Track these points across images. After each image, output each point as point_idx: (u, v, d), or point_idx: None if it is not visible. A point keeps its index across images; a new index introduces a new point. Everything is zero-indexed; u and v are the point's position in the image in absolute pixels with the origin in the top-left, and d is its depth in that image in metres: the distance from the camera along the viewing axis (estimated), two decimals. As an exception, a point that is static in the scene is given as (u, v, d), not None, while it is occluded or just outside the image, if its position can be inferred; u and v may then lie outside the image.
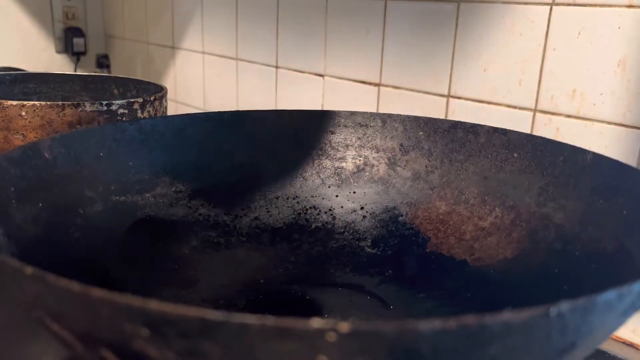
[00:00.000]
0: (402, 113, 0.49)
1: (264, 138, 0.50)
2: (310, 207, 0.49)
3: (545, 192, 0.39)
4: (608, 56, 0.47)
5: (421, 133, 0.48)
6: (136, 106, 0.55)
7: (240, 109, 0.86)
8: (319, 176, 0.50)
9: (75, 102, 0.52)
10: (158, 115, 0.59)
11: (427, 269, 0.43)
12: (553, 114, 0.51)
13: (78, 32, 1.22)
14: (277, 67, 0.82)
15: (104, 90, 0.77)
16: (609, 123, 0.48)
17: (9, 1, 1.15)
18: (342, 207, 0.49)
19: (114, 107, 0.53)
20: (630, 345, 0.48)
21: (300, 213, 0.49)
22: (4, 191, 0.32)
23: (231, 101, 0.93)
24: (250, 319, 0.16)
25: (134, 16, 1.18)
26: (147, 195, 0.44)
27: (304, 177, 0.50)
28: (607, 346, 0.46)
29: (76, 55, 1.23)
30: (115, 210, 0.42)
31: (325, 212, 0.49)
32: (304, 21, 0.76)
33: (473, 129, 0.45)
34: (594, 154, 0.37)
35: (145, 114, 0.56)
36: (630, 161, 0.47)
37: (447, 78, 0.60)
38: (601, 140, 0.48)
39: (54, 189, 0.37)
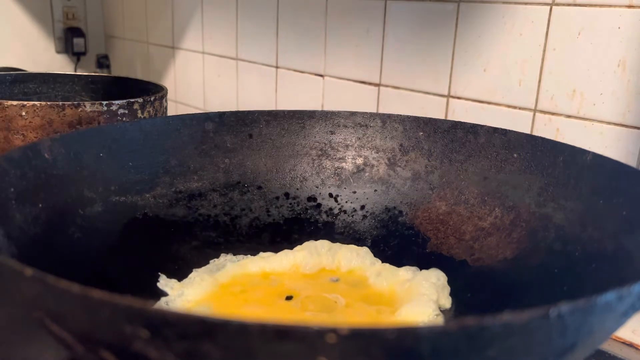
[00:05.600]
0: (402, 113, 0.49)
1: (263, 138, 0.50)
2: (310, 208, 0.49)
3: (545, 192, 0.39)
4: (608, 56, 0.47)
5: (421, 133, 0.48)
6: (136, 106, 0.55)
7: (240, 109, 0.86)
8: (319, 176, 0.50)
9: (75, 102, 0.52)
10: (158, 115, 0.59)
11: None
12: (553, 114, 0.51)
13: (78, 32, 1.22)
14: (277, 67, 0.82)
15: (104, 90, 0.77)
16: (609, 123, 0.48)
17: (9, 1, 1.15)
18: (342, 207, 0.49)
19: (114, 107, 0.53)
20: (630, 345, 0.48)
21: (300, 213, 0.49)
22: (4, 192, 0.32)
23: (231, 101, 0.93)
24: (250, 320, 0.16)
25: (134, 16, 1.18)
26: (147, 195, 0.44)
27: (304, 177, 0.50)
28: (607, 346, 0.46)
29: (76, 55, 1.23)
30: (115, 211, 0.42)
31: (325, 212, 0.49)
32: (304, 21, 0.76)
33: (473, 129, 0.45)
34: (594, 154, 0.37)
35: (145, 114, 0.56)
36: (630, 161, 0.47)
37: (447, 78, 0.60)
38: (601, 140, 0.48)
39: (53, 189, 0.37)
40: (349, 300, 0.39)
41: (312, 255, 0.44)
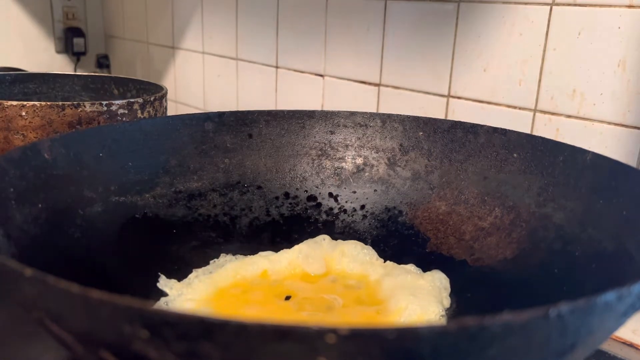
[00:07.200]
0: (402, 113, 0.49)
1: (263, 138, 0.50)
2: (310, 207, 0.49)
3: (545, 192, 0.39)
4: (608, 56, 0.47)
5: (421, 133, 0.48)
6: (136, 106, 0.55)
7: (240, 109, 0.86)
8: (319, 176, 0.50)
9: (75, 102, 0.52)
10: (158, 115, 0.59)
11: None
12: (553, 114, 0.51)
13: (78, 32, 1.22)
14: (277, 67, 0.82)
15: (104, 90, 0.77)
16: (609, 123, 0.48)
17: (9, 1, 1.15)
18: (342, 207, 0.49)
19: (114, 107, 0.53)
20: (630, 345, 0.48)
21: (300, 213, 0.49)
22: (4, 192, 0.32)
23: (231, 101, 0.93)
24: (250, 321, 0.16)
25: (134, 16, 1.18)
26: (147, 195, 0.44)
27: (303, 177, 0.50)
28: (607, 346, 0.46)
29: (76, 55, 1.23)
30: (115, 211, 0.42)
31: (325, 212, 0.49)
32: (304, 21, 0.76)
33: (473, 129, 0.45)
34: (594, 154, 0.37)
35: (145, 114, 0.56)
36: (630, 161, 0.47)
37: (447, 78, 0.60)
38: (601, 140, 0.48)
39: (53, 189, 0.37)
40: (347, 300, 0.39)
41: (312, 251, 0.44)
